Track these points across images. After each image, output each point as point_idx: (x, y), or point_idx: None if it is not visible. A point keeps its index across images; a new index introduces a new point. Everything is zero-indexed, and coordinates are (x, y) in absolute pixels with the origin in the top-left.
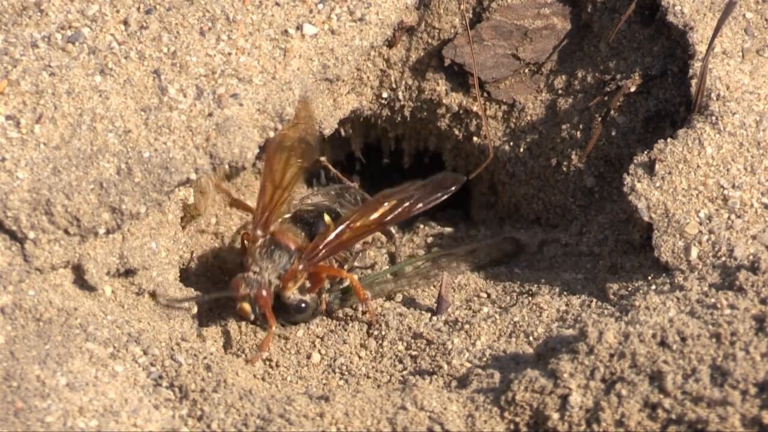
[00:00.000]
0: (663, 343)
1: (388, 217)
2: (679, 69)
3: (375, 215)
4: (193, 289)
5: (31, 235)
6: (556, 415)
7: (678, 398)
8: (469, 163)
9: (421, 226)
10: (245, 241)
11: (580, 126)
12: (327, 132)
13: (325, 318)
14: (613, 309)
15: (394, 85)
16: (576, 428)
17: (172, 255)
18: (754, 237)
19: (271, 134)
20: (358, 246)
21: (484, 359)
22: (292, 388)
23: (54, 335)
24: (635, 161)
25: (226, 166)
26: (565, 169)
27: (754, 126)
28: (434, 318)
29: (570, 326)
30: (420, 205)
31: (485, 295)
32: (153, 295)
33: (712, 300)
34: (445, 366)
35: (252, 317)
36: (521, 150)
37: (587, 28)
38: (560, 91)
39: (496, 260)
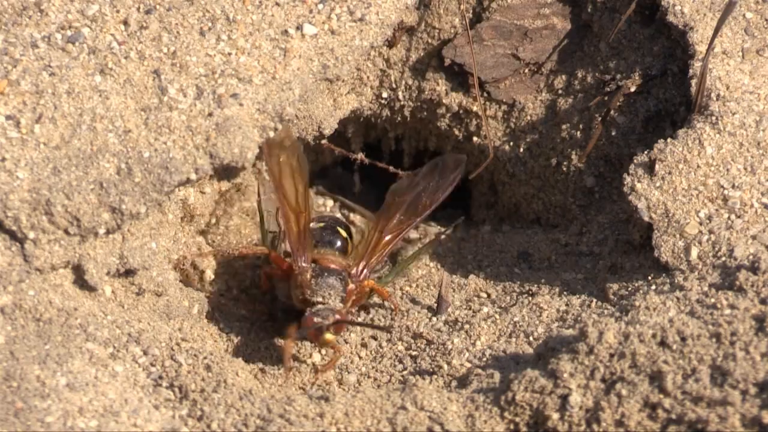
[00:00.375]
0: (663, 343)
1: (421, 216)
2: (679, 69)
3: (397, 216)
4: (200, 293)
5: (31, 235)
6: (556, 415)
7: (678, 398)
8: (469, 163)
9: (421, 226)
10: (267, 277)
11: (580, 126)
12: (327, 132)
13: None
14: (613, 309)
15: (394, 85)
16: (576, 428)
17: (172, 255)
18: (754, 237)
19: (271, 134)
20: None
21: (484, 359)
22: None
23: (54, 335)
24: (635, 161)
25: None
26: (565, 169)
27: (754, 126)
28: (434, 318)
29: (570, 326)
30: (438, 193)
31: (485, 295)
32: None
33: (712, 300)
34: (445, 366)
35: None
36: (521, 150)
37: (587, 28)
38: (560, 91)
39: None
